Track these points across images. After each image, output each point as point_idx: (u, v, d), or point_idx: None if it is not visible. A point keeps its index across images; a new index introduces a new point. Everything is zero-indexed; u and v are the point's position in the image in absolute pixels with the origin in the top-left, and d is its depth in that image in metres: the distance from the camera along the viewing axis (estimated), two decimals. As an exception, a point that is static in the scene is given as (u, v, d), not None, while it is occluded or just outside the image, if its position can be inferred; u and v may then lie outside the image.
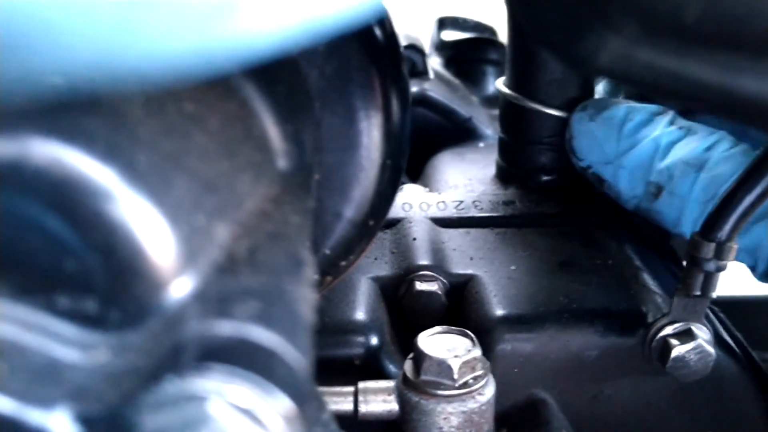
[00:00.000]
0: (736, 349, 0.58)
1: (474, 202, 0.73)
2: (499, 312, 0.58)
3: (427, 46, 1.03)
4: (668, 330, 0.55)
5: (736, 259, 0.60)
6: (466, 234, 0.69)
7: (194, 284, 0.27)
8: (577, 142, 0.68)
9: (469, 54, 1.04)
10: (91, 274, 0.25)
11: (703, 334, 0.54)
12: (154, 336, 0.25)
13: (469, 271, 0.63)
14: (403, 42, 0.94)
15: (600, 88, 0.75)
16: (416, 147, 0.53)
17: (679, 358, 0.54)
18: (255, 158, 0.33)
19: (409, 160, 0.51)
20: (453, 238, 0.68)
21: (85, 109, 0.26)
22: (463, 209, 0.72)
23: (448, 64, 1.04)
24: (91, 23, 0.20)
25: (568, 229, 0.69)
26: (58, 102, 0.23)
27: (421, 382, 0.50)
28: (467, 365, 0.50)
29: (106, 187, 0.25)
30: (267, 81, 0.35)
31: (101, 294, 0.25)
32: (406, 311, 0.63)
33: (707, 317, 0.56)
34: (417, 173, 0.86)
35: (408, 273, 0.63)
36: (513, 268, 0.63)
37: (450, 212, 0.71)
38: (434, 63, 1.02)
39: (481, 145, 0.91)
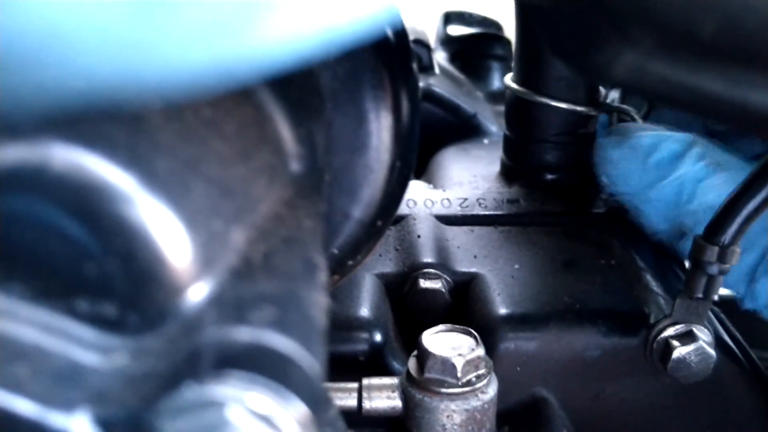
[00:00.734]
0: (737, 351, 0.58)
1: (478, 199, 0.73)
2: (503, 311, 0.58)
3: (432, 40, 1.03)
4: (670, 331, 0.55)
5: (733, 288, 0.60)
6: (470, 232, 0.69)
7: (211, 289, 0.27)
8: (601, 168, 0.67)
9: (474, 49, 1.04)
10: (111, 279, 0.26)
11: (704, 336, 0.55)
12: (172, 340, 0.25)
13: (473, 270, 0.64)
14: (409, 36, 0.94)
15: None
16: (421, 143, 0.53)
17: (680, 360, 0.54)
18: (270, 162, 0.34)
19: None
20: (457, 235, 0.68)
21: (106, 115, 0.26)
22: (467, 207, 0.72)
23: (454, 59, 1.04)
24: (112, 37, 0.20)
25: (572, 228, 0.69)
26: (79, 113, 0.24)
27: (424, 380, 0.50)
28: (471, 364, 0.50)
29: (126, 193, 0.26)
30: (281, 84, 0.36)
31: (120, 298, 0.26)
32: (410, 308, 0.63)
33: (708, 319, 0.56)
34: (421, 169, 0.86)
35: (412, 270, 0.64)
36: (517, 267, 0.64)
37: (454, 209, 0.72)
38: (440, 58, 1.02)
39: (486, 141, 0.91)
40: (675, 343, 0.54)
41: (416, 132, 0.49)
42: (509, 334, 0.57)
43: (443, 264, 0.64)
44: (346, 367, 0.57)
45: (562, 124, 0.72)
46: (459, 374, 0.50)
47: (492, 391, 0.51)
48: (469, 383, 0.50)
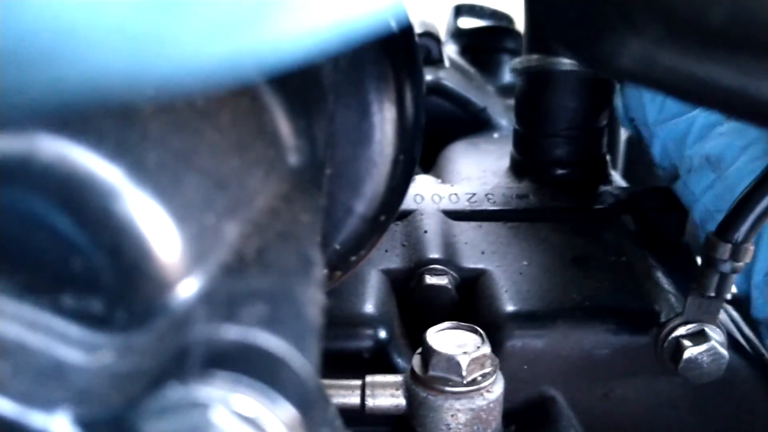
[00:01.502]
0: (750, 351, 0.57)
1: (487, 195, 0.72)
2: (510, 308, 0.58)
3: (442, 33, 1.02)
4: (681, 330, 0.54)
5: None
6: (478, 227, 0.68)
7: (201, 285, 0.26)
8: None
9: (485, 42, 1.03)
10: (97, 274, 0.25)
11: (716, 335, 0.54)
12: (159, 338, 0.25)
13: (481, 266, 0.63)
14: (418, 29, 0.93)
15: None
16: (429, 137, 0.53)
17: (692, 360, 0.53)
18: (266, 155, 0.33)
19: (422, 150, 0.51)
20: (465, 231, 0.67)
21: (116, 110, 0.25)
22: (475, 202, 0.71)
23: (464, 52, 1.03)
24: (125, 33, 0.20)
25: (582, 224, 0.68)
26: (89, 109, 0.23)
27: (429, 378, 0.50)
28: (476, 362, 0.49)
29: (113, 185, 0.25)
30: (280, 75, 0.35)
31: (107, 294, 0.25)
32: (416, 305, 0.62)
33: (720, 318, 0.55)
34: (429, 163, 0.85)
35: (418, 266, 0.63)
36: (525, 263, 0.63)
37: (462, 205, 0.71)
38: (450, 51, 1.01)
39: (496, 135, 0.90)
40: (686, 342, 0.53)
41: (421, 125, 0.48)
42: (516, 332, 0.56)
43: (450, 260, 0.64)
44: (350, 364, 0.57)
45: (573, 118, 0.71)
46: (464, 372, 0.49)
47: (498, 389, 0.50)
48: (474, 382, 0.49)
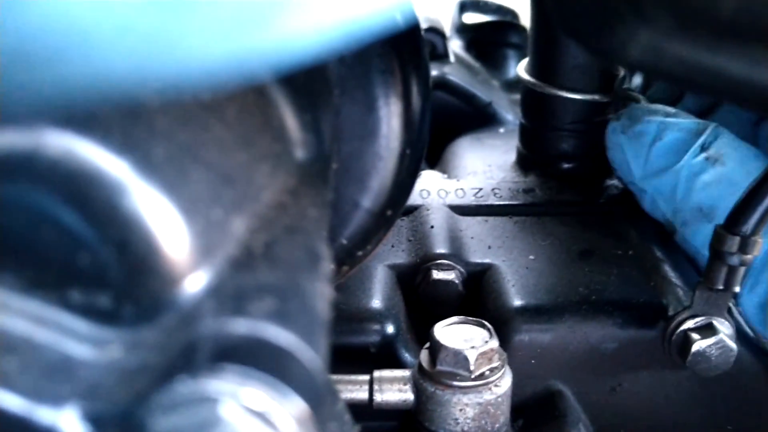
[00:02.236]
0: (758, 344, 0.57)
1: (493, 189, 0.72)
2: (517, 302, 0.57)
3: (447, 28, 1.02)
4: (689, 324, 0.54)
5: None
6: (484, 222, 0.68)
7: (209, 279, 0.26)
8: (610, 153, 0.66)
9: (490, 37, 1.03)
10: (105, 269, 0.25)
11: (724, 328, 0.54)
12: (168, 332, 0.25)
13: (487, 260, 0.63)
14: (423, 24, 0.93)
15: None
16: (435, 132, 0.52)
17: (700, 353, 0.53)
18: (273, 149, 0.33)
19: (428, 145, 0.51)
20: (471, 226, 0.67)
21: (123, 109, 0.25)
22: (481, 197, 0.71)
23: (469, 47, 1.02)
24: (132, 32, 0.20)
25: (588, 218, 0.68)
26: (96, 108, 0.23)
27: (436, 373, 0.49)
28: (484, 356, 0.49)
29: (120, 180, 0.25)
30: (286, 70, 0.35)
31: (115, 289, 0.25)
32: (422, 300, 0.62)
33: (729, 311, 0.55)
34: (435, 158, 0.85)
35: (425, 261, 0.63)
36: (532, 257, 0.62)
37: (468, 200, 0.71)
38: (455, 46, 1.01)
39: (502, 130, 0.90)
40: (694, 335, 0.53)
41: (427, 119, 0.47)
42: (524, 326, 0.56)
43: (457, 255, 0.63)
44: (358, 359, 0.56)
45: (578, 113, 0.71)
46: (472, 367, 0.49)
47: (506, 384, 0.50)
48: (482, 376, 0.49)
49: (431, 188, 0.72)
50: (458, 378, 0.49)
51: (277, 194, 0.31)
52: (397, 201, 0.48)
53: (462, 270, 0.63)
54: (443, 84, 0.91)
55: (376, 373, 0.51)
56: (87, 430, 0.22)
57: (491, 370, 0.50)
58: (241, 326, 0.24)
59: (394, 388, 0.51)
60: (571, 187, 0.72)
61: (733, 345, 0.53)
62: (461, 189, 0.72)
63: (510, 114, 0.91)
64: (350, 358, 0.56)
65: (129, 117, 0.26)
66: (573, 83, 0.70)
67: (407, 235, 0.66)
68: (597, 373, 0.57)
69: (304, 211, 0.32)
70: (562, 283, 0.59)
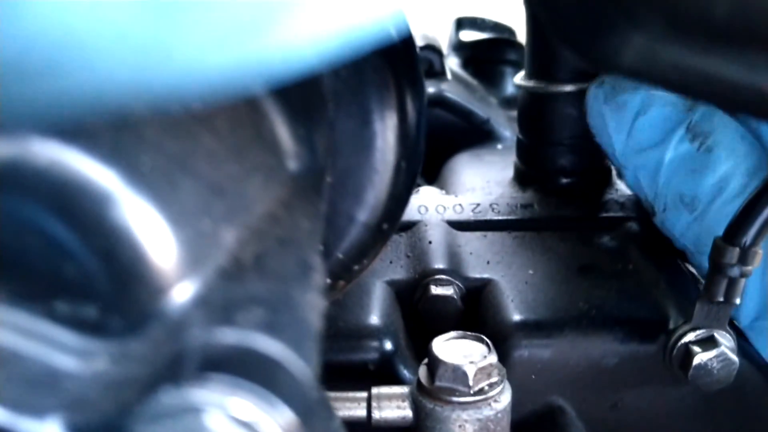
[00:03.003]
0: (760, 358, 0.56)
1: (491, 205, 0.71)
2: (517, 317, 0.57)
3: (444, 46, 1.02)
4: (690, 337, 0.53)
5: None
6: (483, 237, 0.68)
7: (197, 290, 0.26)
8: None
9: (487, 55, 1.03)
10: (92, 280, 0.25)
11: (726, 341, 0.53)
12: (154, 344, 0.24)
13: (486, 276, 0.62)
14: (420, 42, 0.93)
15: None
16: (433, 148, 0.52)
17: (702, 366, 0.52)
18: (265, 160, 0.32)
19: (426, 161, 0.50)
20: (470, 241, 0.67)
21: (120, 120, 0.25)
22: (480, 212, 0.71)
23: (466, 64, 1.03)
24: (129, 41, 0.20)
25: (587, 233, 0.67)
26: (91, 120, 0.23)
27: (435, 389, 0.49)
28: (483, 372, 0.49)
29: (107, 190, 0.24)
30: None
31: (101, 300, 0.25)
32: (421, 316, 0.62)
33: (730, 324, 0.54)
34: (434, 175, 0.85)
35: (423, 277, 0.62)
36: (531, 272, 0.62)
37: (467, 215, 0.70)
38: (452, 63, 1.01)
39: (500, 146, 0.90)
40: (696, 349, 0.53)
41: (423, 132, 0.47)
42: (523, 341, 0.56)
43: (455, 270, 0.63)
44: (356, 376, 0.56)
45: (576, 127, 0.71)
46: (471, 382, 0.48)
47: (505, 399, 0.49)
48: (481, 392, 0.49)
49: (429, 204, 0.72)
50: (457, 393, 0.48)
51: (268, 206, 0.31)
52: (393, 214, 0.48)
53: (461, 285, 0.62)
54: (441, 101, 0.91)
55: (375, 390, 0.51)
56: (70, 441, 0.22)
57: (490, 385, 0.49)
58: (229, 336, 0.23)
59: (392, 405, 0.50)
60: (569, 202, 0.72)
61: (735, 358, 0.52)
62: (459, 205, 0.72)
63: (508, 131, 0.91)
64: (348, 375, 0.56)
65: (118, 126, 0.26)
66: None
67: (405, 251, 0.66)
68: (598, 388, 0.56)
69: (296, 222, 0.32)
70: (562, 298, 0.59)
